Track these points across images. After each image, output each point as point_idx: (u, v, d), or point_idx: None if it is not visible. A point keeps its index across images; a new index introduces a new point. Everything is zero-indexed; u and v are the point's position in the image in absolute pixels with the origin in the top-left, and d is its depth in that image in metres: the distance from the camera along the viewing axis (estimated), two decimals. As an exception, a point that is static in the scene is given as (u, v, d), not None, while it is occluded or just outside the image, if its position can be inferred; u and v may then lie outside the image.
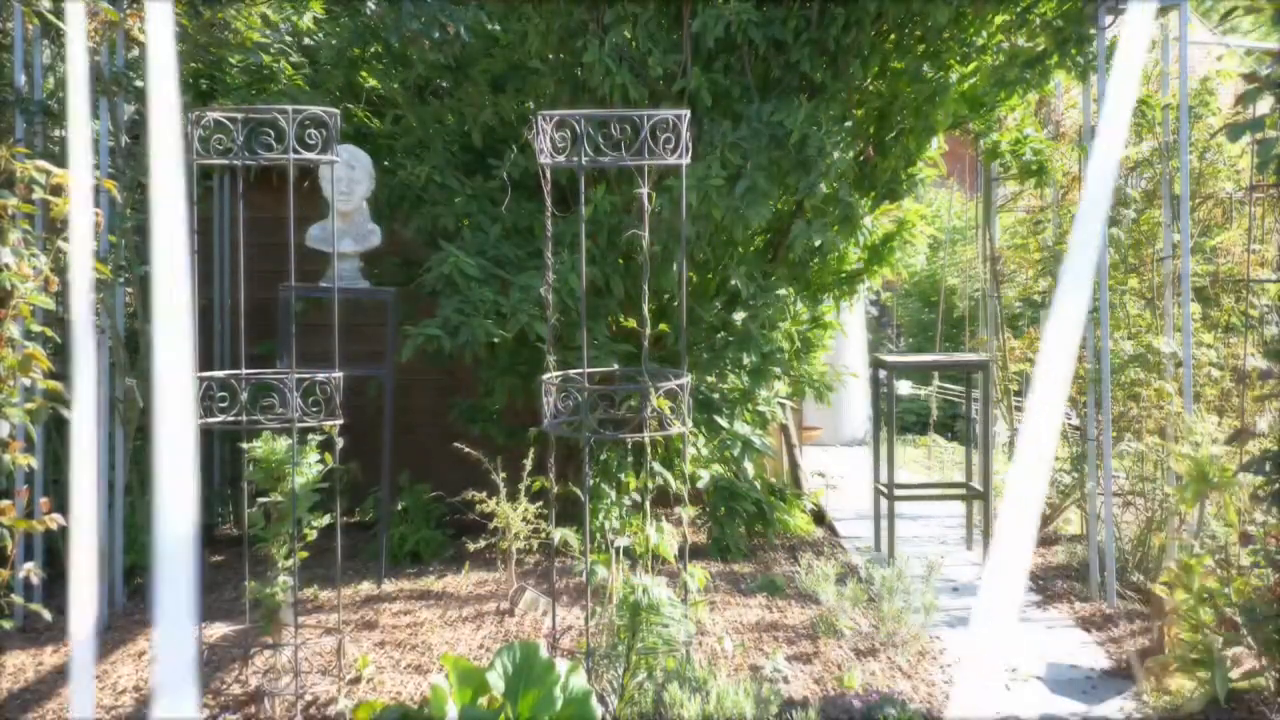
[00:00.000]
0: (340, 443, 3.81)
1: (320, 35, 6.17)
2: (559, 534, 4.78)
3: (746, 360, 5.88)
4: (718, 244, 5.75)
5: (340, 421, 3.76)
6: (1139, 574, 5.21)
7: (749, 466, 5.97)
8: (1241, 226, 5.72)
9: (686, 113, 3.74)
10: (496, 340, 5.29)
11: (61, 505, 5.01)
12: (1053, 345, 0.67)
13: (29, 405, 3.20)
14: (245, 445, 3.85)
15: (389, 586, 5.28)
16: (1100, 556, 5.11)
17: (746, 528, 5.99)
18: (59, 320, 5.09)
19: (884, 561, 5.53)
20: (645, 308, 3.89)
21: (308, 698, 3.77)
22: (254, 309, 5.13)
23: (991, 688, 4.04)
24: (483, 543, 4.87)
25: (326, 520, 3.91)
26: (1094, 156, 0.63)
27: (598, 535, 5.38)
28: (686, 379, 3.82)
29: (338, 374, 3.74)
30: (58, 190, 3.27)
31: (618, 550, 4.44)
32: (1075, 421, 6.24)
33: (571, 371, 4.42)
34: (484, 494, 4.76)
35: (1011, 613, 0.72)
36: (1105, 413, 5.05)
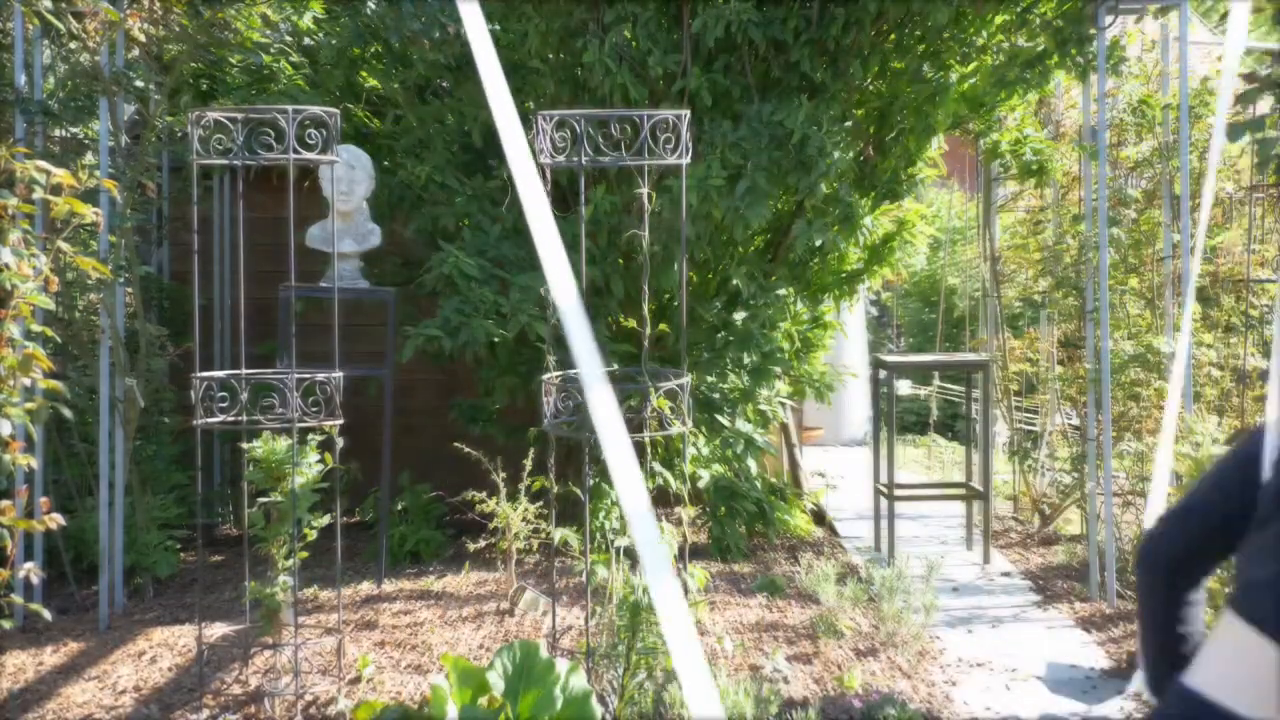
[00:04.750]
0: (340, 443, 3.81)
1: (320, 35, 6.17)
2: (559, 534, 4.79)
3: (747, 360, 5.88)
4: (718, 244, 5.75)
5: (340, 421, 3.76)
6: (1139, 574, 5.20)
7: (751, 465, 5.97)
8: (1241, 226, 5.72)
9: (686, 113, 3.74)
10: (496, 340, 5.29)
11: (62, 505, 5.02)
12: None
13: (29, 405, 3.20)
14: (245, 445, 3.85)
15: (389, 586, 5.28)
16: (1100, 556, 5.11)
17: (747, 528, 5.99)
18: (59, 320, 5.09)
19: (884, 561, 5.53)
20: (645, 308, 3.89)
21: (308, 698, 3.77)
22: (254, 309, 5.13)
23: (991, 688, 4.03)
24: (483, 543, 4.87)
25: (326, 520, 3.91)
26: None
27: (598, 535, 5.38)
28: (686, 379, 3.82)
29: (338, 374, 3.74)
30: (58, 190, 3.27)
31: (618, 550, 4.44)
32: (1075, 421, 6.24)
33: (571, 371, 4.42)
34: (484, 494, 4.76)
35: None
36: (1105, 413, 5.05)
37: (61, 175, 3.22)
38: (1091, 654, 4.38)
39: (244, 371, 3.73)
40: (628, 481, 0.81)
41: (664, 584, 0.81)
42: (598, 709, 3.23)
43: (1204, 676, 1.23)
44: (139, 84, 5.10)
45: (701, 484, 5.89)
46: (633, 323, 5.82)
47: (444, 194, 5.82)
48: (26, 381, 3.08)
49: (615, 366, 5.31)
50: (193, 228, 4.14)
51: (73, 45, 5.06)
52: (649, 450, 5.23)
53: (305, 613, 4.66)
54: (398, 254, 6.24)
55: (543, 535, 5.02)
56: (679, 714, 3.43)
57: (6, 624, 3.25)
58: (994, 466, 6.06)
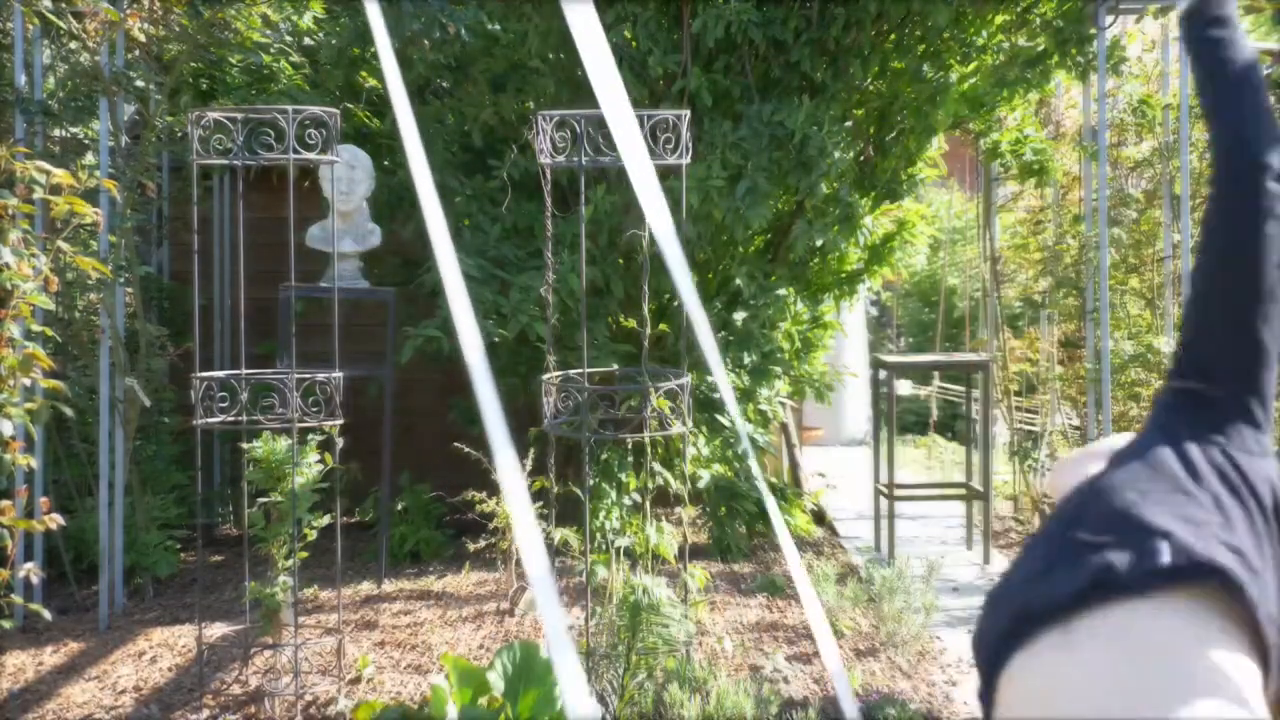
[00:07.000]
0: (340, 443, 3.81)
1: (320, 35, 6.17)
2: (559, 534, 4.78)
3: (747, 360, 5.88)
4: (718, 244, 5.75)
5: (340, 421, 3.76)
6: (1139, 574, 5.21)
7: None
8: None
9: (686, 113, 3.74)
10: (496, 340, 5.29)
11: (62, 505, 5.02)
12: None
13: (29, 405, 3.20)
14: (245, 445, 3.84)
15: (389, 586, 5.28)
16: (1100, 556, 5.10)
17: (747, 528, 5.99)
18: (59, 320, 5.09)
19: (884, 561, 5.52)
20: (645, 308, 3.89)
21: (308, 698, 3.77)
22: (254, 309, 5.13)
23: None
24: (483, 543, 4.87)
25: (326, 520, 3.91)
26: None
27: (598, 535, 5.38)
28: (686, 379, 3.82)
29: (338, 374, 3.74)
30: (58, 190, 3.27)
31: (618, 550, 4.44)
32: (1075, 421, 6.24)
33: (571, 371, 4.42)
34: (484, 494, 4.76)
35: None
36: (1105, 413, 5.05)
37: (61, 175, 3.22)
38: (1091, 654, 4.37)
39: (244, 371, 3.74)
40: (531, 547, 0.85)
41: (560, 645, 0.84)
42: (598, 709, 3.23)
43: None
44: (139, 84, 5.10)
45: (702, 484, 5.89)
46: (633, 323, 5.82)
47: (444, 194, 5.82)
48: (26, 381, 3.08)
49: (615, 366, 5.31)
50: (193, 228, 4.14)
51: (73, 45, 5.07)
52: (649, 450, 5.23)
53: (305, 613, 4.66)
54: (398, 254, 6.24)
55: (543, 535, 5.02)
56: (679, 714, 3.43)
57: (6, 624, 3.25)
58: (994, 466, 6.06)
